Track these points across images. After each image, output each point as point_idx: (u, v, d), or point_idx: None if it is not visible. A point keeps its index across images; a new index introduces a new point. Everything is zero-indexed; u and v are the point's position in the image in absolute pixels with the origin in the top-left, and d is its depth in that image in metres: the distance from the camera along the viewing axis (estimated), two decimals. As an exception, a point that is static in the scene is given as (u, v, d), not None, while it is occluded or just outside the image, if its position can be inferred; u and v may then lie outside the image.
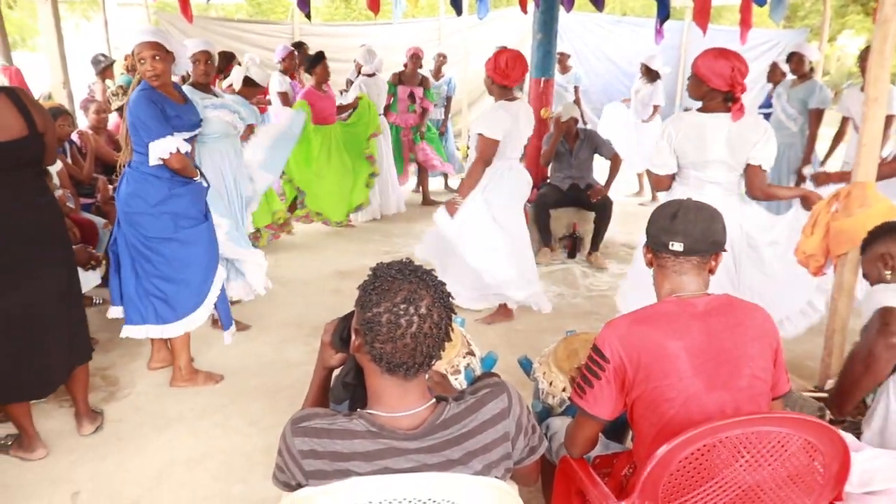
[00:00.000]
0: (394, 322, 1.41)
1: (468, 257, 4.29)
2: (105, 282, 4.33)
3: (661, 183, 3.51)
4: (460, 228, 4.26)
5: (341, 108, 6.69)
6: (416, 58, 7.32)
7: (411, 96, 7.41)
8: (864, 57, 5.32)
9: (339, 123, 6.53)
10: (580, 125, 6.17)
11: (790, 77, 5.90)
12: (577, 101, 8.78)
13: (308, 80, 6.74)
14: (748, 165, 3.30)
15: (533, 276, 4.61)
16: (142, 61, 3.29)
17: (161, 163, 3.32)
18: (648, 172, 3.58)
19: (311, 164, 6.36)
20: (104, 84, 7.10)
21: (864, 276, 2.59)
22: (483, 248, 4.27)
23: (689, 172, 3.37)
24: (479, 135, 4.17)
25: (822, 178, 3.98)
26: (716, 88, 3.22)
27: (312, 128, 6.21)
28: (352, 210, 6.84)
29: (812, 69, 5.75)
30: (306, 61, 6.43)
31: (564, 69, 8.79)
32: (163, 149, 3.28)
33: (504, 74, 4.12)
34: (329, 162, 6.48)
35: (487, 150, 4.17)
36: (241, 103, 4.62)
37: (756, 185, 3.34)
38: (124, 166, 3.46)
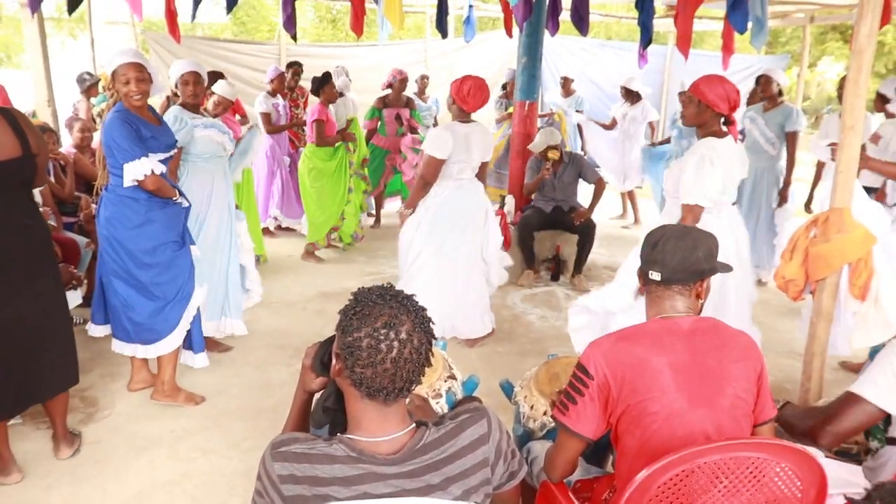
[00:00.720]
0: (374, 347, 1.42)
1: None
2: (86, 301, 4.30)
3: (696, 214, 3.34)
4: (405, 261, 4.53)
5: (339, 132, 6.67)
6: (403, 81, 7.35)
7: (398, 118, 7.43)
8: (843, 85, 5.43)
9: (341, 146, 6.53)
10: (578, 150, 6.20)
11: (759, 104, 5.99)
12: (579, 125, 8.87)
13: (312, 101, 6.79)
14: None
15: (472, 300, 4.61)
16: (126, 83, 3.30)
17: (136, 184, 3.32)
18: (687, 207, 3.34)
19: (318, 181, 6.43)
20: (89, 102, 7.08)
21: None
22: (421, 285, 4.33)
23: (719, 198, 3.44)
24: (423, 152, 4.37)
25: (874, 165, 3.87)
26: (719, 112, 3.35)
27: (323, 150, 6.35)
28: (347, 241, 6.83)
29: (781, 93, 5.84)
30: (312, 83, 6.45)
31: (568, 92, 8.93)
32: (137, 170, 3.28)
33: (463, 100, 4.25)
34: (335, 181, 6.51)
35: (428, 169, 4.30)
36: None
37: None
38: (101, 189, 3.48)
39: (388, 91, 7.37)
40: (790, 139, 5.75)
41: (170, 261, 3.49)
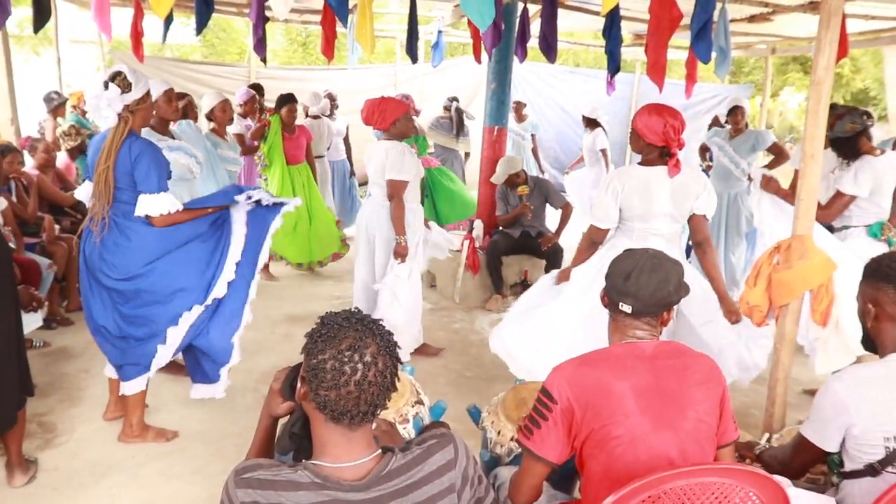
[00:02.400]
0: (338, 369, 1.42)
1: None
2: (47, 324, 4.21)
3: (599, 235, 3.54)
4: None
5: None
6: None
7: None
8: None
9: (292, 166, 6.49)
10: (537, 174, 6.25)
11: (724, 129, 6.11)
12: (534, 150, 8.95)
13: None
14: (693, 216, 3.43)
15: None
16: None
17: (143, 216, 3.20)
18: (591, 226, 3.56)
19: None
20: (55, 122, 6.98)
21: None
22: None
23: (633, 224, 3.43)
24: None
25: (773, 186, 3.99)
26: (651, 143, 3.32)
27: (285, 167, 6.36)
28: (325, 259, 6.70)
29: (747, 124, 6.01)
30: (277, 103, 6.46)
31: (520, 118, 8.96)
32: (162, 204, 3.19)
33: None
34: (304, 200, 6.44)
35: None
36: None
37: (701, 233, 3.48)
38: (105, 217, 3.20)
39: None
40: (772, 151, 5.94)
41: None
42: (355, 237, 4.77)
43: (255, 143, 6.52)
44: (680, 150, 3.33)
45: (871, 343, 2.18)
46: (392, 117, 4.42)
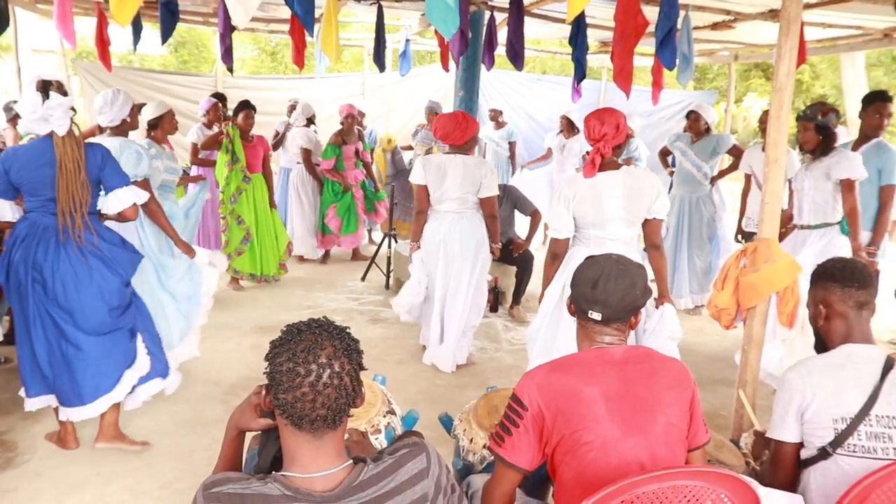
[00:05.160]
0: (292, 371, 1.42)
1: None
2: (7, 339, 4.12)
3: (559, 246, 3.53)
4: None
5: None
6: (352, 117, 7.34)
7: (356, 153, 7.44)
8: (763, 119, 5.69)
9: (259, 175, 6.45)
10: (511, 180, 6.26)
11: (686, 134, 6.19)
12: (511, 157, 8.97)
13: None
14: (648, 219, 3.45)
15: (446, 333, 4.70)
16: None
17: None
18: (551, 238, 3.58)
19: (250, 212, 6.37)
20: (16, 132, 6.86)
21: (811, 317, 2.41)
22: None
23: (589, 232, 3.45)
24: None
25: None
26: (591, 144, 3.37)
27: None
28: (283, 257, 6.72)
29: (710, 130, 6.07)
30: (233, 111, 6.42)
31: (499, 125, 9.01)
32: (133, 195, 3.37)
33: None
34: (256, 211, 6.41)
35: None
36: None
37: (656, 235, 3.52)
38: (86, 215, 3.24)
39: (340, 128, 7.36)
40: (733, 154, 6.06)
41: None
42: (422, 254, 4.74)
43: (210, 152, 6.56)
44: (602, 156, 3.34)
45: (823, 346, 2.32)
46: (471, 133, 4.53)
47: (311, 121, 7.64)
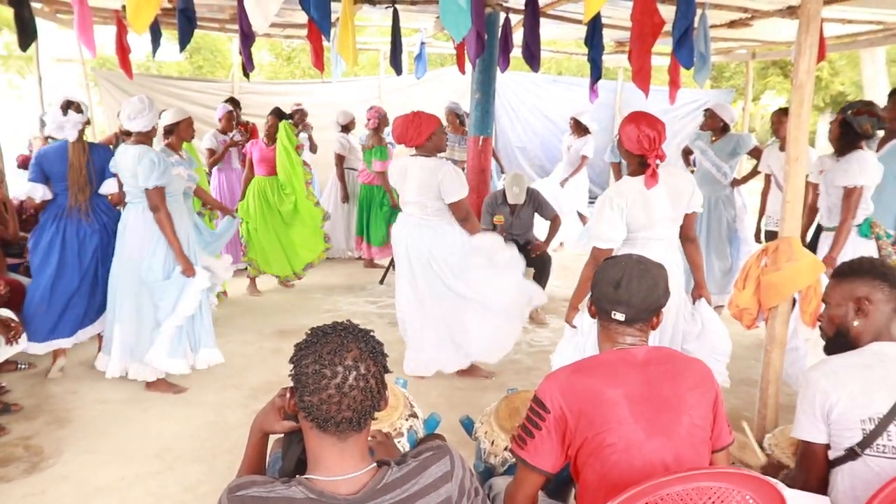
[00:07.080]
0: (318, 372, 1.42)
1: None
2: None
3: (603, 255, 3.30)
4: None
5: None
6: (385, 119, 7.36)
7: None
8: (773, 119, 5.66)
9: (266, 177, 6.51)
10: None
11: (707, 133, 6.13)
12: (493, 152, 8.87)
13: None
14: (687, 214, 3.43)
15: (422, 342, 4.58)
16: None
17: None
18: (593, 249, 3.41)
19: (253, 213, 6.45)
20: (45, 141, 6.92)
21: (824, 319, 2.38)
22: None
23: (637, 234, 3.35)
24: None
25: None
26: (629, 151, 3.30)
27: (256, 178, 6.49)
28: (300, 269, 6.68)
29: (728, 128, 6.00)
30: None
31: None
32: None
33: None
34: (264, 213, 6.46)
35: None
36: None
37: (692, 228, 3.55)
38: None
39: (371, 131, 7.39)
40: (754, 155, 5.98)
41: None
42: (394, 256, 4.73)
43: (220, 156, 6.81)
44: (659, 160, 3.26)
45: (838, 346, 2.28)
46: (427, 132, 4.30)
47: (346, 127, 7.66)
